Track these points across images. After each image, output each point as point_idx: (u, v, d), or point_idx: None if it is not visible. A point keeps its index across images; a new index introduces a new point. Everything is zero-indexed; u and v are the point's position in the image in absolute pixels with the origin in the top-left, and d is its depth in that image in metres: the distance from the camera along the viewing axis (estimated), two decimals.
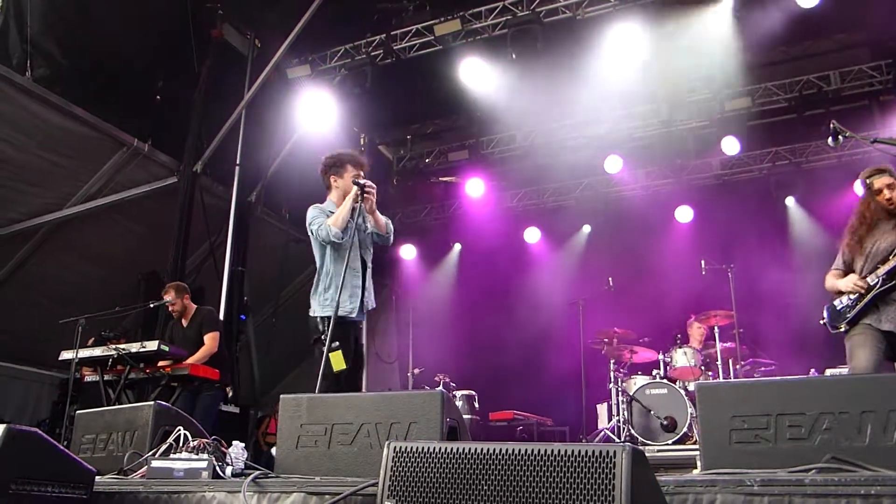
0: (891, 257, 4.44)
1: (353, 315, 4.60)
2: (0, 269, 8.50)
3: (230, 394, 8.06)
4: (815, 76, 10.17)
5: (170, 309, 7.05)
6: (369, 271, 4.75)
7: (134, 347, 6.25)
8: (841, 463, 2.49)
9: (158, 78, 8.83)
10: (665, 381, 7.69)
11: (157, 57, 8.76)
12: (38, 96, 7.41)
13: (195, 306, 7.20)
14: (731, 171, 11.43)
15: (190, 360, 6.54)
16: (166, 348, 6.28)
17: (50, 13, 7.48)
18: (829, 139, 4.17)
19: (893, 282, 4.37)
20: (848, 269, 4.76)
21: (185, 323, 7.08)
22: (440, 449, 2.20)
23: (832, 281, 4.82)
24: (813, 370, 6.78)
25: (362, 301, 4.65)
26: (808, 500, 2.17)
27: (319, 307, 4.58)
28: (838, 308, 4.65)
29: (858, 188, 5.10)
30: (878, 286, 4.43)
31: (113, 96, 8.19)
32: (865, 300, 4.45)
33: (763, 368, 7.98)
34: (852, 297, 4.57)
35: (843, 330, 4.58)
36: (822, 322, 4.81)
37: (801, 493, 2.19)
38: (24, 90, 7.28)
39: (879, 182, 4.59)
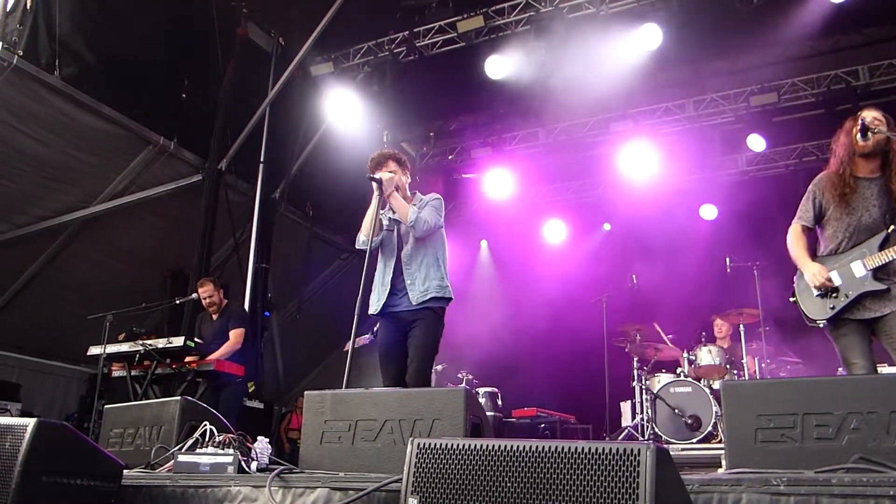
0: (879, 248, 3.86)
1: (378, 311, 4.57)
2: (29, 265, 8.63)
3: (251, 389, 8.12)
4: (843, 71, 10.00)
5: (207, 301, 7.14)
6: (413, 265, 4.57)
7: (161, 343, 6.34)
8: (869, 463, 2.46)
9: (184, 76, 8.90)
10: (689, 379, 7.63)
11: (183, 55, 8.84)
12: (66, 95, 7.51)
13: (225, 301, 7.31)
14: (758, 167, 11.31)
15: (214, 356, 6.62)
16: (192, 344, 6.36)
17: (78, 12, 7.57)
18: (859, 135, 4.02)
19: (885, 285, 3.81)
20: (817, 222, 4.16)
21: (214, 318, 7.17)
22: (463, 446, 2.20)
23: (798, 248, 4.16)
24: (840, 369, 6.68)
25: (393, 295, 4.57)
26: (835, 500, 2.14)
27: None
28: (815, 294, 4.02)
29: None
30: (867, 283, 3.85)
31: (139, 95, 8.28)
32: (852, 298, 3.87)
33: (789, 367, 7.89)
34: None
35: (820, 326, 4.01)
36: (791, 300, 4.21)
37: (828, 493, 2.16)
38: (53, 89, 7.38)
39: (868, 114, 3.99)
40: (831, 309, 3.94)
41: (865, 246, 3.95)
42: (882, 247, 3.88)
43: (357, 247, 4.60)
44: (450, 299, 4.64)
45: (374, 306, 4.59)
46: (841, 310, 3.92)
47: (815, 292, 4.02)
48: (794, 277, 4.24)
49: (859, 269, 3.92)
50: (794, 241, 4.22)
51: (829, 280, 3.95)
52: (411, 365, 4.46)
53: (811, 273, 4.02)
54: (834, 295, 3.95)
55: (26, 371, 8.82)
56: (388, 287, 4.55)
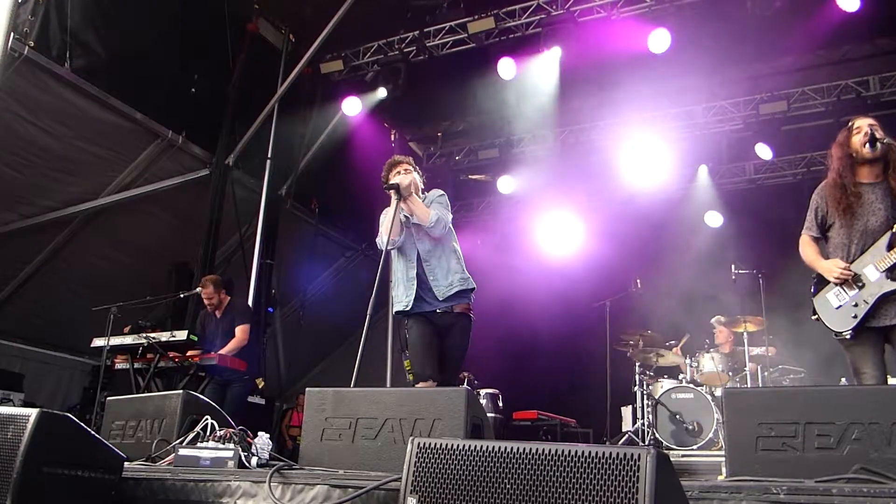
0: (888, 249, 3.87)
1: (411, 307, 4.58)
2: (35, 256, 8.66)
3: (261, 385, 8.14)
4: (853, 81, 9.97)
5: (206, 302, 7.14)
6: (433, 260, 4.63)
7: (164, 336, 6.36)
8: (870, 474, 2.46)
9: (193, 71, 8.92)
10: (691, 385, 7.62)
11: (193, 50, 8.86)
12: (76, 87, 7.52)
13: (229, 298, 7.31)
14: (765, 175, 11.28)
15: (221, 351, 6.63)
16: (195, 338, 6.37)
17: (90, 4, 7.59)
18: (867, 146, 4.02)
19: None
20: (823, 232, 4.21)
21: (218, 315, 7.18)
22: (464, 446, 2.20)
23: (811, 254, 4.22)
24: (843, 379, 6.66)
25: (420, 291, 4.59)
26: None
27: (394, 304, 4.72)
28: (835, 307, 4.03)
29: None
30: (884, 285, 3.86)
31: (149, 88, 8.29)
32: (871, 304, 3.87)
33: (792, 376, 7.87)
34: (848, 292, 3.98)
35: (847, 337, 3.97)
36: (814, 318, 4.18)
37: (828, 503, 2.16)
38: (63, 80, 7.40)
39: (861, 121, 4.10)
40: (854, 318, 3.95)
41: (874, 249, 3.96)
42: (890, 247, 3.90)
43: (379, 248, 4.58)
44: (474, 289, 4.70)
45: (404, 302, 4.58)
46: (862, 318, 3.92)
47: (837, 302, 4.03)
48: (812, 294, 4.23)
49: (872, 272, 3.94)
50: (806, 248, 4.27)
51: (848, 269, 3.96)
52: (449, 369, 4.56)
53: (827, 268, 4.05)
54: (854, 303, 3.95)
55: (30, 361, 8.85)
56: (415, 280, 4.57)
